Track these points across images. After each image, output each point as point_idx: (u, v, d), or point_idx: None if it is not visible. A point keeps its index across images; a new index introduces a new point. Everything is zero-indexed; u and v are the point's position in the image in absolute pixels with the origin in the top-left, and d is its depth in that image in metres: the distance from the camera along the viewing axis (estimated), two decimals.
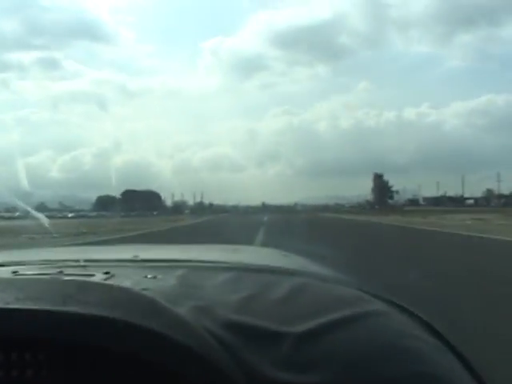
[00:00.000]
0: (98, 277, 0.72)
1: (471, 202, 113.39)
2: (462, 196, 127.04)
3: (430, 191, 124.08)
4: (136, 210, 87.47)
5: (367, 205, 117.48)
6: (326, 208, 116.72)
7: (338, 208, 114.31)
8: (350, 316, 0.58)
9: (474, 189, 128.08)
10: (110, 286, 0.59)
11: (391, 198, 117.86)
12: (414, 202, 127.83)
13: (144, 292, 0.57)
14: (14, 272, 0.76)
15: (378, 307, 0.64)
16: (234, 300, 0.61)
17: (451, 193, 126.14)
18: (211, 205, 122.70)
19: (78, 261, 0.85)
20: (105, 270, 0.76)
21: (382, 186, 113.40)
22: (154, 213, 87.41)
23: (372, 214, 59.94)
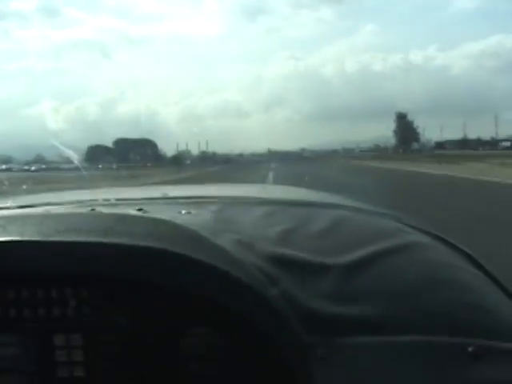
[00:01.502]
0: (132, 213, 0.69)
1: (507, 144, 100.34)
2: (493, 138, 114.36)
3: (444, 134, 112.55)
4: (129, 160, 77.55)
5: (389, 149, 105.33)
6: (334, 153, 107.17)
7: (347, 152, 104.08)
8: (394, 247, 0.58)
9: (486, 132, 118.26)
10: (151, 218, 0.58)
11: (417, 140, 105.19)
12: (441, 145, 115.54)
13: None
14: (47, 210, 0.71)
15: (419, 239, 0.63)
16: (274, 233, 0.60)
17: (472, 136, 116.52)
18: (214, 154, 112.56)
19: (108, 200, 0.84)
20: (137, 207, 0.74)
21: (406, 127, 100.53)
22: (148, 164, 77.23)
23: (398, 160, 48.97)
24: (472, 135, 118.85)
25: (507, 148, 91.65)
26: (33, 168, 46.92)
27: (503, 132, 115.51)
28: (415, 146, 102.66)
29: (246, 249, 0.54)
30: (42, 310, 0.48)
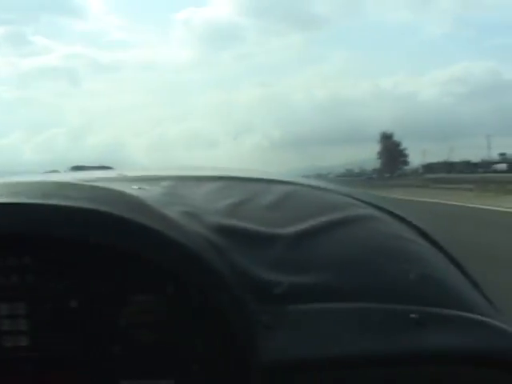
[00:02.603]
0: (75, 181, 0.68)
1: (502, 166, 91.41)
2: (483, 160, 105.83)
3: (416, 159, 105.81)
4: None
5: (373, 173, 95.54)
6: None
7: (321, 178, 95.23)
8: (342, 219, 0.58)
9: (460, 156, 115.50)
10: (94, 186, 0.57)
11: (405, 163, 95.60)
12: (430, 168, 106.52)
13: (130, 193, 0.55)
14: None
15: (370, 212, 0.63)
16: (224, 206, 0.60)
17: (437, 159, 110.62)
18: None
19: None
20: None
21: (392, 149, 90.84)
22: None
23: (386, 188, 39.02)
24: (440, 159, 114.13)
25: (504, 172, 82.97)
26: None
27: (462, 156, 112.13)
28: (403, 169, 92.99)
29: (193, 219, 0.54)
30: None
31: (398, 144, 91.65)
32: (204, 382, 0.45)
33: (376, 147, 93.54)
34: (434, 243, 0.63)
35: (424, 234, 0.64)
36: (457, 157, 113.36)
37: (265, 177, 0.76)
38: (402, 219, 0.65)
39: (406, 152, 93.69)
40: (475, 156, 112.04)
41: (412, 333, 0.47)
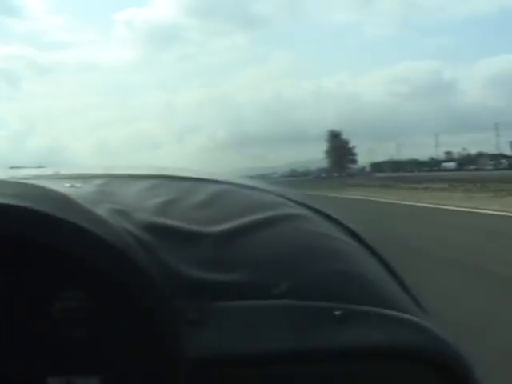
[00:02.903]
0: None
1: (450, 165, 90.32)
2: (432, 158, 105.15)
3: (363, 158, 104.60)
4: None
5: (321, 172, 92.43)
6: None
7: (266, 179, 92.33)
8: (271, 217, 0.60)
9: (404, 155, 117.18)
10: (18, 182, 0.57)
11: (354, 162, 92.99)
12: (377, 167, 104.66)
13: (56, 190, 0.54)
14: None
15: (300, 211, 0.65)
16: (153, 204, 0.61)
17: (381, 159, 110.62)
18: None
19: None
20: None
21: (340, 148, 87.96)
22: None
23: (345, 188, 35.38)
24: (384, 158, 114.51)
25: (453, 170, 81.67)
26: None
27: (411, 155, 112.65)
28: (352, 168, 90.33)
29: (122, 217, 0.55)
30: None
31: (346, 142, 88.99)
32: (131, 379, 0.46)
33: (320, 147, 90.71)
34: (363, 242, 0.64)
35: (353, 233, 0.65)
36: (400, 156, 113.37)
37: (197, 176, 0.77)
38: (330, 218, 0.66)
39: (355, 151, 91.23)
40: (419, 155, 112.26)
41: (334, 329, 0.49)
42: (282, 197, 0.69)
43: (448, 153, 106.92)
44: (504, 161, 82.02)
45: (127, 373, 0.46)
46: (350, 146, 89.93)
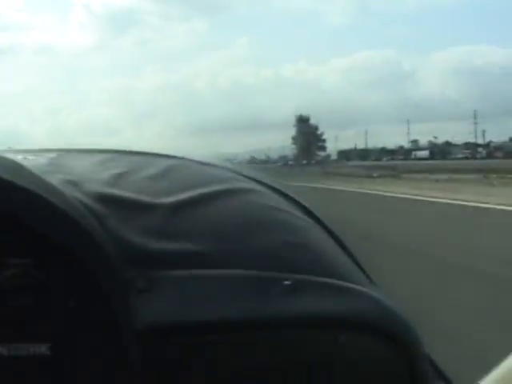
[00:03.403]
0: None
1: (423, 154, 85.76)
2: (401, 147, 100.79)
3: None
4: None
5: (284, 160, 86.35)
6: None
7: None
8: (222, 190, 0.60)
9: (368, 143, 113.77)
10: None
11: (323, 148, 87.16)
12: (344, 155, 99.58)
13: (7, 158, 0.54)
14: None
15: (251, 186, 0.65)
16: (106, 176, 0.61)
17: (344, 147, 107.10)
18: None
19: None
20: None
21: (308, 133, 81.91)
22: None
23: (329, 178, 29.68)
24: (346, 146, 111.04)
25: (425, 159, 77.25)
26: None
27: (372, 144, 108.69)
28: (320, 156, 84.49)
29: (73, 187, 0.55)
30: None
31: (315, 127, 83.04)
32: (80, 346, 0.45)
33: (281, 134, 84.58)
34: (313, 217, 0.64)
35: (304, 208, 0.65)
36: (362, 144, 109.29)
37: (149, 151, 0.76)
38: (282, 193, 0.66)
39: (323, 137, 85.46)
40: (381, 143, 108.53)
41: (284, 299, 0.49)
42: (235, 172, 0.69)
43: (414, 141, 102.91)
44: (481, 149, 78.12)
45: (76, 340, 0.45)
46: (319, 132, 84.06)
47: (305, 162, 75.31)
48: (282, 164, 78.68)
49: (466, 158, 71.41)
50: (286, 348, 0.49)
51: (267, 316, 0.48)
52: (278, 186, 0.67)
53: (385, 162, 72.12)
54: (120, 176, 0.61)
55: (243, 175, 0.68)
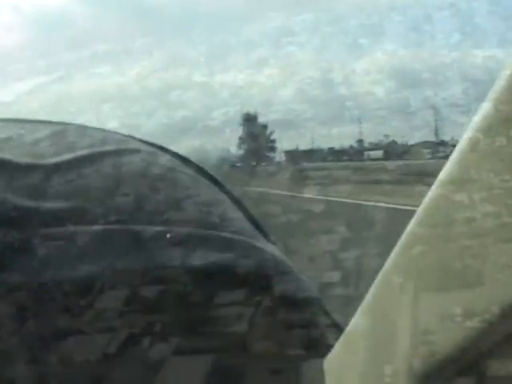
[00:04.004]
0: None
1: (377, 154, 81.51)
2: (351, 147, 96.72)
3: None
4: None
5: (226, 162, 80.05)
6: None
7: None
8: (110, 150, 0.57)
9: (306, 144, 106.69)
10: None
11: (272, 149, 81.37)
12: (292, 156, 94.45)
13: None
14: None
15: (142, 147, 0.61)
16: None
17: (287, 147, 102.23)
18: None
19: None
20: None
21: (257, 134, 75.88)
22: None
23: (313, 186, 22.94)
24: (288, 147, 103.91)
25: (380, 159, 73.02)
26: None
27: (306, 145, 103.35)
28: (271, 157, 78.94)
29: None
30: None
31: (264, 127, 77.43)
32: None
33: (218, 137, 77.84)
34: (208, 176, 0.61)
35: (199, 169, 0.63)
36: (304, 146, 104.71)
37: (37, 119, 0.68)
38: (176, 155, 0.63)
39: (273, 137, 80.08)
40: (319, 144, 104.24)
41: (169, 251, 0.48)
42: (130, 137, 0.66)
43: (360, 141, 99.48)
44: (442, 148, 74.88)
45: None
46: (268, 131, 78.66)
47: (254, 163, 69.60)
48: (230, 166, 72.68)
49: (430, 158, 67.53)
50: (171, 302, 0.46)
51: (148, 270, 0.47)
52: (171, 148, 0.64)
53: (335, 163, 67.29)
54: (3, 141, 0.58)
55: (138, 139, 0.65)
